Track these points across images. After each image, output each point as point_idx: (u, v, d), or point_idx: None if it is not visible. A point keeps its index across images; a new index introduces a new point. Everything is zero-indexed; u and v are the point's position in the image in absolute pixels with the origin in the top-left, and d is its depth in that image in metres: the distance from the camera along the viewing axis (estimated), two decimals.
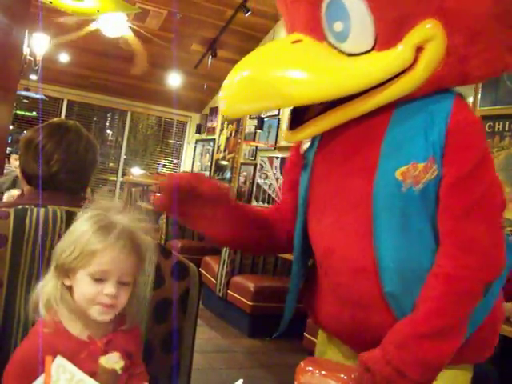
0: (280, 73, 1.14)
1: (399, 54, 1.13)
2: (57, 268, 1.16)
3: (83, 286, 1.13)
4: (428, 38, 1.13)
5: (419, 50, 1.14)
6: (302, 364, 0.85)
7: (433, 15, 1.12)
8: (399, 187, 1.13)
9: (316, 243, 1.32)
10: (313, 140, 1.35)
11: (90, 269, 1.12)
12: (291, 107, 1.24)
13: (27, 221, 1.32)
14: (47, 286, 1.16)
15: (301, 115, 1.25)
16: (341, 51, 1.16)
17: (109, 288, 1.13)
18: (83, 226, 1.16)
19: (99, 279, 1.13)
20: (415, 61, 1.14)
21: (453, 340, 1.09)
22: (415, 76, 1.14)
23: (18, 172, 3.72)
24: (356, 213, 1.20)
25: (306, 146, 1.36)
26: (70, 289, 1.16)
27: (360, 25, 1.14)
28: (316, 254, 1.33)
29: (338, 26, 1.15)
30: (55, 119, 1.78)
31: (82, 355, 1.12)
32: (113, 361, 1.06)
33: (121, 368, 1.06)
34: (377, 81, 1.13)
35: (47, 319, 1.14)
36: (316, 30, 1.19)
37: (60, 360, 1.00)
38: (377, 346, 1.09)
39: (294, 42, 1.20)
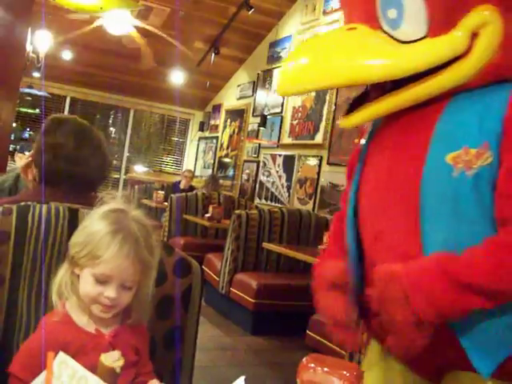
0: (336, 55, 1.16)
1: (453, 39, 1.12)
2: (69, 258, 1.20)
3: (87, 284, 1.16)
4: (483, 24, 1.10)
5: (474, 36, 1.12)
6: (304, 361, 0.84)
7: (489, 0, 1.10)
8: (450, 172, 1.10)
9: (365, 232, 1.30)
10: (369, 133, 1.36)
11: (94, 270, 1.15)
12: (340, 87, 1.28)
13: (30, 217, 1.32)
14: (60, 273, 1.21)
15: (357, 104, 1.26)
16: (395, 38, 1.17)
17: (110, 292, 1.15)
18: (97, 224, 1.18)
19: (102, 281, 1.15)
20: (470, 48, 1.12)
21: (477, 300, 1.04)
22: (470, 63, 1.13)
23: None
24: (404, 200, 1.18)
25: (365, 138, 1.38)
26: (78, 277, 1.20)
27: (413, 11, 1.14)
28: (365, 243, 1.30)
29: (392, 13, 1.16)
30: (67, 116, 1.83)
31: (89, 347, 1.14)
32: (112, 359, 1.06)
33: (120, 367, 1.06)
34: (429, 64, 1.12)
35: (58, 307, 1.18)
36: (371, 19, 1.20)
37: (62, 356, 1.00)
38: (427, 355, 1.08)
39: (349, 29, 1.22)
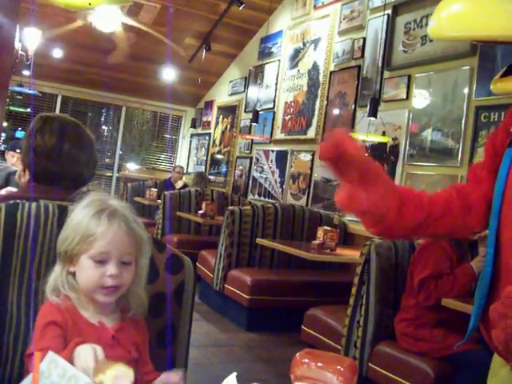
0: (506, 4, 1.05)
1: None
2: (60, 256, 1.21)
3: (87, 269, 1.17)
4: None
5: None
6: (297, 356, 0.83)
7: None
8: None
9: (507, 223, 1.16)
10: None
11: (91, 252, 1.16)
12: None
13: (18, 215, 1.31)
14: (54, 274, 1.21)
15: None
16: None
17: (111, 269, 1.16)
18: (81, 212, 1.20)
19: (101, 261, 1.16)
20: None
21: None
22: None
23: (16, 169, 3.68)
24: None
25: None
26: (73, 275, 1.20)
27: None
28: (503, 235, 1.17)
29: None
30: (59, 114, 1.85)
31: (92, 340, 1.12)
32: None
33: None
34: None
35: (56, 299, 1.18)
36: None
37: (52, 356, 0.99)
38: None
39: None
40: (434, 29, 1.11)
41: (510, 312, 1.00)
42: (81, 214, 1.19)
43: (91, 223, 1.17)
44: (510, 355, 1.06)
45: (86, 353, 1.03)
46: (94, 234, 1.16)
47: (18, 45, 6.29)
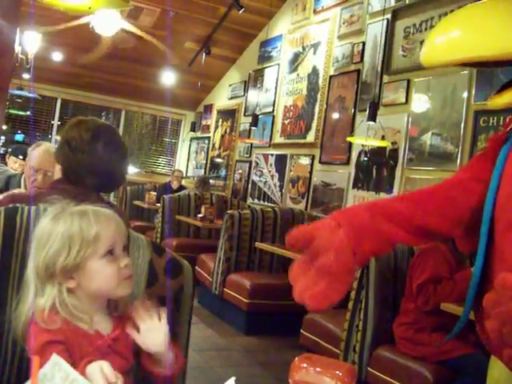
0: (491, 26, 1.07)
1: None
2: (54, 275, 1.14)
3: (101, 271, 1.15)
4: None
5: None
6: (296, 361, 0.83)
7: None
8: None
9: (499, 220, 1.16)
10: None
11: (100, 251, 1.15)
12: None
13: (18, 219, 1.31)
14: (42, 297, 1.13)
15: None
16: None
17: (123, 260, 1.17)
18: (58, 224, 1.15)
19: (113, 254, 1.17)
20: None
21: None
22: None
23: (16, 172, 3.67)
24: None
25: None
26: (72, 290, 1.15)
27: None
28: (496, 232, 1.17)
29: None
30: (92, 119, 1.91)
31: (89, 349, 1.12)
32: None
33: None
34: None
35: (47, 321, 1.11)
36: None
37: (56, 358, 0.99)
38: None
39: None
40: (426, 56, 1.15)
41: (503, 299, 1.00)
42: (63, 226, 1.14)
43: (84, 226, 1.14)
44: (502, 344, 1.06)
45: (96, 375, 1.01)
46: (96, 232, 1.14)
47: (18, 48, 6.29)
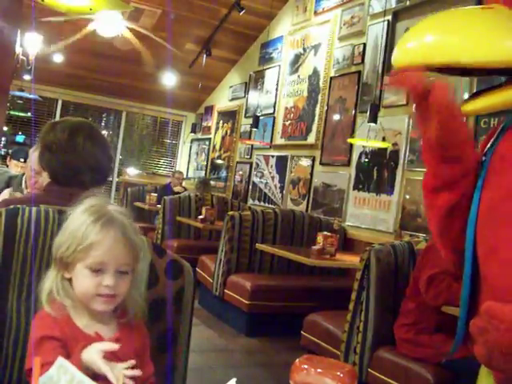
0: (470, 32, 1.06)
1: None
2: (56, 262, 1.18)
3: (82, 278, 1.15)
4: None
5: None
6: (297, 362, 0.83)
7: None
8: None
9: (480, 240, 1.15)
10: (494, 140, 1.22)
11: (87, 261, 1.15)
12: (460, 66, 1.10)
13: (19, 220, 1.31)
14: (48, 280, 1.18)
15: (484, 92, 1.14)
16: None
17: (107, 279, 1.15)
18: (78, 219, 1.17)
19: (98, 270, 1.15)
20: None
21: None
22: None
23: (16, 173, 3.67)
24: None
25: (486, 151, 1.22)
26: (70, 281, 1.18)
27: None
28: (479, 252, 1.16)
29: None
30: (72, 118, 1.91)
31: None
32: None
33: None
34: None
35: (50, 310, 1.15)
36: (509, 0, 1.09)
37: (61, 361, 1.00)
38: None
39: (485, 8, 1.11)
40: (395, 58, 1.13)
41: (489, 327, 1.00)
42: (77, 221, 1.17)
43: (87, 232, 1.15)
44: (493, 369, 1.07)
45: (94, 356, 1.05)
46: (90, 243, 1.14)
47: (18, 49, 6.30)
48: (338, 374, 0.80)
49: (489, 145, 1.22)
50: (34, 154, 3.05)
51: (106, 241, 1.15)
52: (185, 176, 9.46)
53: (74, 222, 1.18)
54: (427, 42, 1.08)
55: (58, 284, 1.18)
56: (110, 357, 1.12)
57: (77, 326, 1.16)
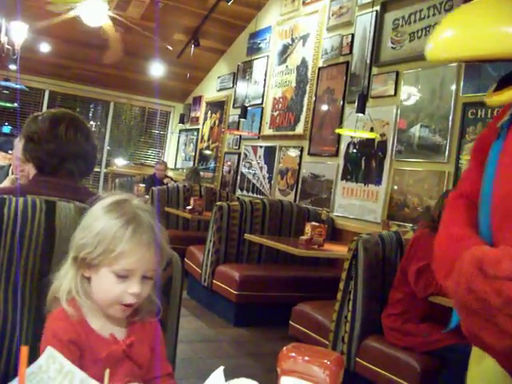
0: (490, 23, 1.04)
1: None
2: (76, 260, 1.13)
3: (107, 284, 1.11)
4: None
5: None
6: (284, 350, 0.83)
7: None
8: None
9: (495, 218, 1.12)
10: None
11: (115, 267, 1.10)
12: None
13: (5, 210, 1.29)
14: (67, 279, 1.14)
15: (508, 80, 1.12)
16: None
17: (134, 287, 1.10)
18: (104, 219, 1.12)
19: (124, 276, 1.10)
20: None
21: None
22: None
23: (3, 164, 3.64)
24: None
25: (506, 118, 1.19)
26: (88, 279, 1.14)
27: None
28: (493, 229, 1.13)
29: None
30: (59, 110, 1.91)
31: (103, 355, 1.10)
32: None
33: None
34: None
35: (69, 309, 1.11)
36: None
37: (51, 351, 0.99)
38: None
39: None
40: (431, 53, 1.12)
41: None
42: (104, 222, 1.11)
43: (118, 237, 1.09)
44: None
45: None
46: (122, 251, 1.08)
47: (4, 38, 6.23)
48: (325, 361, 0.81)
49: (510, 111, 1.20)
50: (19, 143, 3.03)
51: (138, 249, 1.10)
52: (173, 167, 9.43)
53: (100, 223, 1.11)
54: (471, 34, 1.06)
55: (77, 284, 1.13)
56: (123, 358, 1.11)
57: (92, 327, 1.12)
